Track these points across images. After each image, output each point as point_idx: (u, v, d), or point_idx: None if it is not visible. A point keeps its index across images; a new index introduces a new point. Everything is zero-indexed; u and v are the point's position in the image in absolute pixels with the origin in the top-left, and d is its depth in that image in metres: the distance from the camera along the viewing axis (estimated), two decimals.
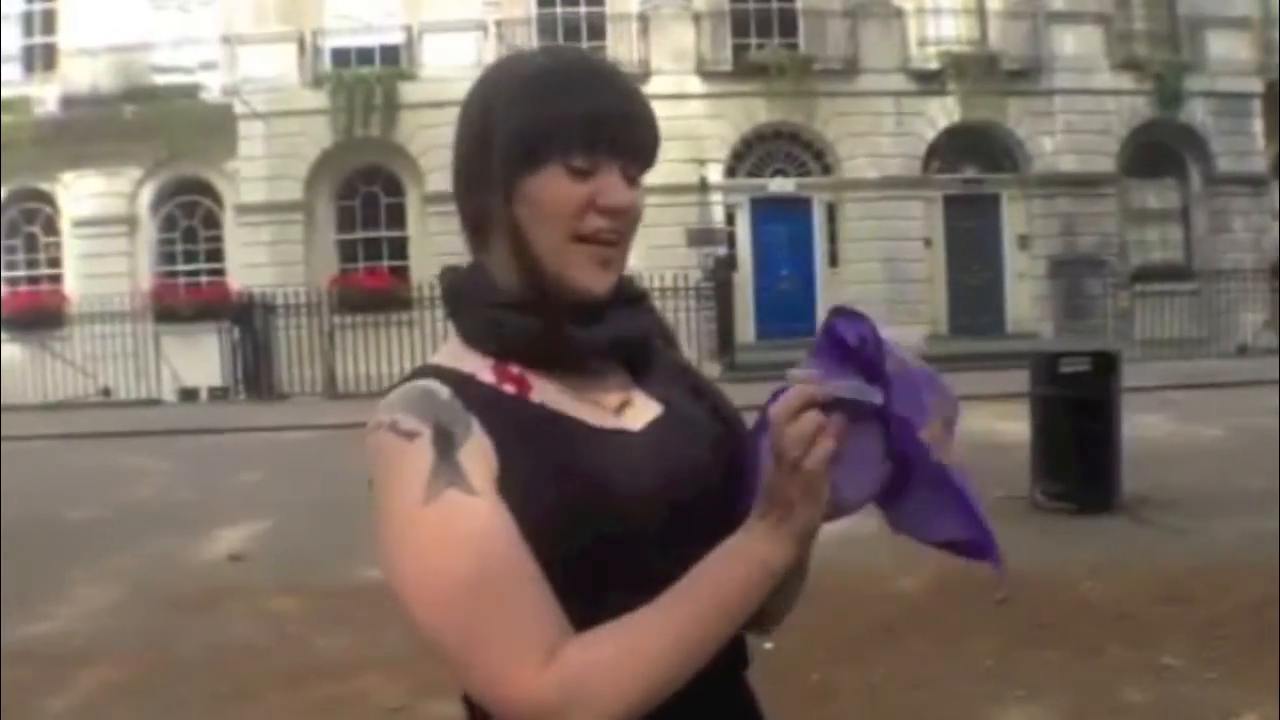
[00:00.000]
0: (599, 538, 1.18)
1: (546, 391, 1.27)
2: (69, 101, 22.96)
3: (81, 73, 23.01)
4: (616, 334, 1.30)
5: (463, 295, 1.32)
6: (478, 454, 1.18)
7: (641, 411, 1.32)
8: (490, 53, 21.96)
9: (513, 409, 1.24)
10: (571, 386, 1.28)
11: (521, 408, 1.25)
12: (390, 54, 23.50)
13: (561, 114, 1.23)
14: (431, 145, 21.62)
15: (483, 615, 1.13)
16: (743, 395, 1.42)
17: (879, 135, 23.53)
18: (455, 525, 1.15)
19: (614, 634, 1.14)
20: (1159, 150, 24.73)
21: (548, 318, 1.26)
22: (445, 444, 1.18)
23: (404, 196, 23.62)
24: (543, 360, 1.27)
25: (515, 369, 1.27)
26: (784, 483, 1.12)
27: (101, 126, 22.43)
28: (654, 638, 1.14)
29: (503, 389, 1.26)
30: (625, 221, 1.26)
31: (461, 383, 1.24)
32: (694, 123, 22.15)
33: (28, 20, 24.26)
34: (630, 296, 1.35)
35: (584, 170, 1.23)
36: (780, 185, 24.01)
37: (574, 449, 1.23)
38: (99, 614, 7.02)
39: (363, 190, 23.84)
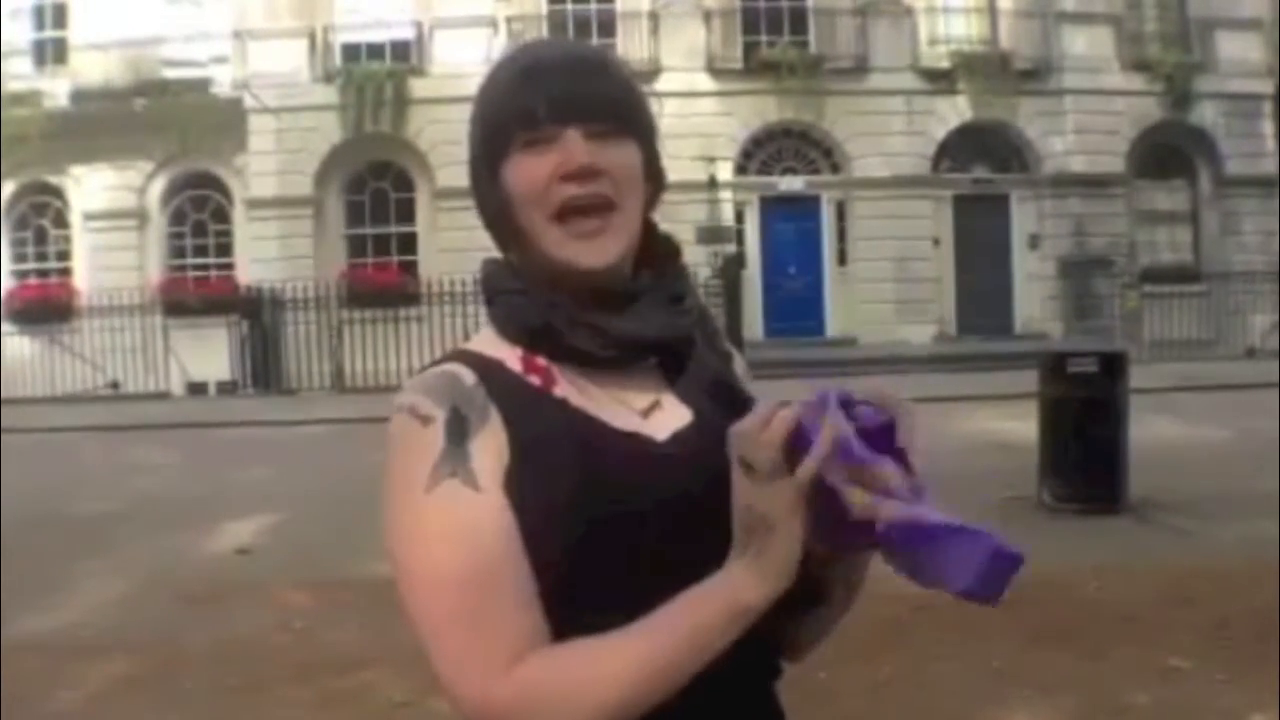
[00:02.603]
0: (603, 541, 1.17)
1: (571, 387, 1.25)
2: (79, 95, 22.96)
3: (92, 67, 23.00)
4: (642, 332, 1.27)
5: (494, 285, 1.31)
6: (489, 444, 1.18)
7: (670, 417, 1.28)
8: (500, 49, 21.76)
9: (534, 401, 1.23)
10: (599, 384, 1.26)
11: (542, 401, 1.23)
12: (401, 50, 23.53)
13: (508, 96, 1.25)
14: (441, 141, 21.62)
15: (456, 612, 1.14)
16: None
17: (889, 134, 23.60)
18: (451, 517, 1.16)
19: (579, 654, 1.13)
20: (1169, 151, 24.74)
21: (569, 308, 1.25)
22: (457, 431, 1.18)
23: (413, 192, 23.72)
24: (565, 353, 1.26)
25: (542, 361, 1.26)
26: (755, 500, 1.09)
27: (112, 120, 22.41)
28: (618, 664, 1.12)
29: (528, 380, 1.25)
30: (599, 183, 1.22)
31: (489, 369, 1.24)
32: (704, 120, 22.16)
33: (39, 14, 24.24)
34: (672, 295, 1.32)
35: (538, 141, 1.22)
36: (790, 183, 24.10)
37: (589, 448, 1.20)
38: (107, 607, 7.01)
39: (372, 185, 23.92)
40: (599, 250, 1.23)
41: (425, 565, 1.16)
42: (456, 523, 1.15)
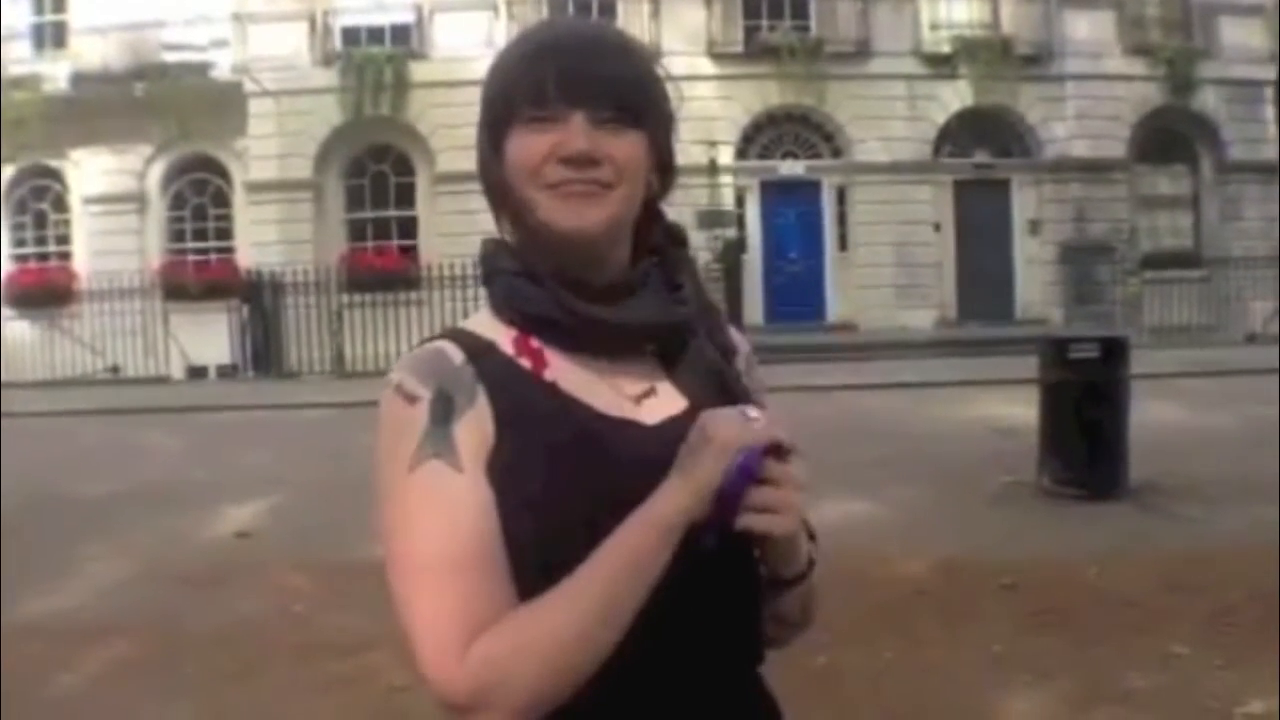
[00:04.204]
0: (587, 527, 1.16)
1: (563, 370, 1.26)
2: (79, 79, 22.91)
3: (92, 50, 23.00)
4: (638, 318, 1.27)
5: (492, 265, 1.32)
6: (474, 426, 1.19)
7: (663, 405, 1.29)
8: (501, 32, 21.93)
9: (523, 384, 1.24)
10: (592, 369, 1.27)
11: (532, 384, 1.24)
12: (401, 33, 23.51)
13: (516, 73, 1.25)
14: (442, 125, 21.73)
15: (429, 595, 1.15)
16: None
17: (890, 119, 23.62)
18: (430, 499, 1.17)
19: (518, 619, 1.14)
20: (1170, 137, 24.66)
21: (566, 292, 1.25)
22: (442, 412, 1.19)
23: (413, 176, 23.76)
24: (559, 336, 1.26)
25: (535, 343, 1.27)
26: (712, 423, 1.16)
27: (111, 104, 22.37)
28: (557, 617, 1.13)
29: (519, 362, 1.25)
30: (598, 170, 1.23)
31: (479, 350, 1.25)
32: (704, 104, 21.97)
33: None
34: (671, 284, 1.33)
35: (541, 120, 1.23)
36: (790, 168, 24.12)
37: (576, 433, 1.21)
38: (107, 590, 6.99)
39: (372, 169, 23.93)
40: (579, 214, 1.23)
41: (403, 547, 1.17)
42: (436, 504, 1.17)
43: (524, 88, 1.23)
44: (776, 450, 1.17)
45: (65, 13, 23.84)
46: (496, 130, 1.27)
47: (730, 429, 1.14)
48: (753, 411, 1.19)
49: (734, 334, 1.42)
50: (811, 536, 1.33)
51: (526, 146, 1.23)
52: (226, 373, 22.40)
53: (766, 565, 1.28)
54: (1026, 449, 9.20)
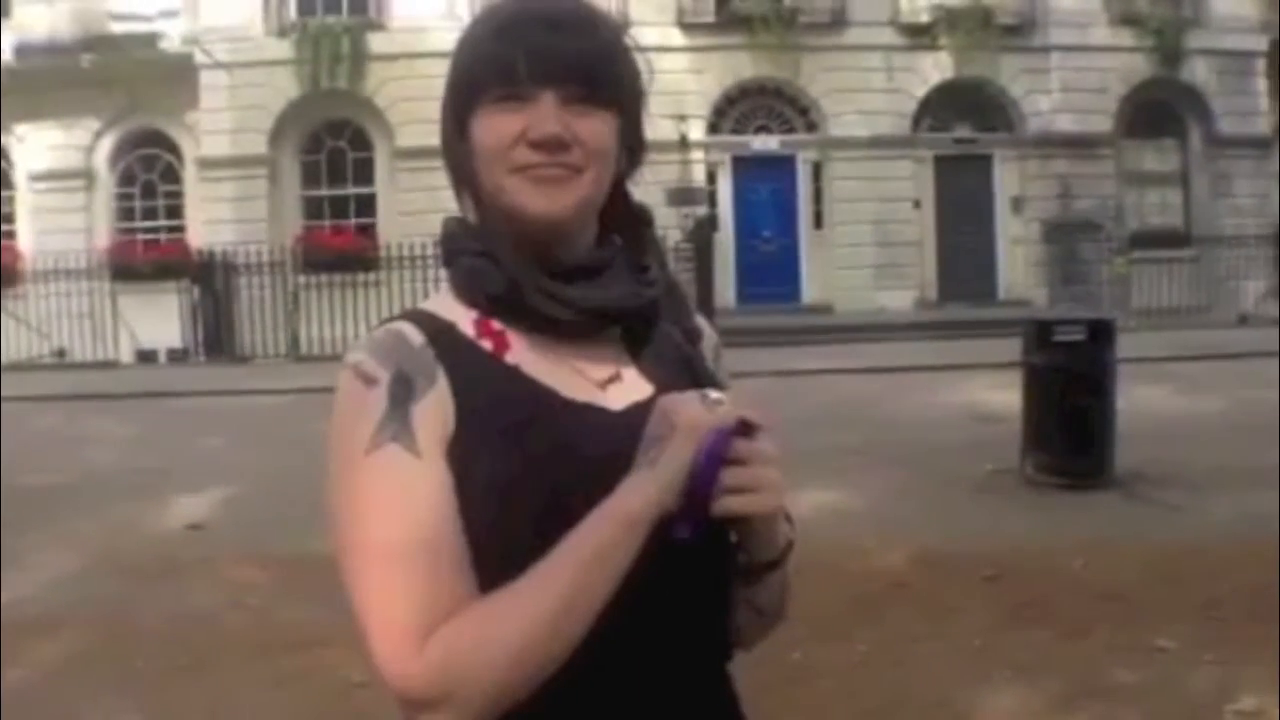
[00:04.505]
0: (548, 513, 1.16)
1: (525, 353, 1.27)
2: (24, 50, 22.59)
3: (37, 20, 22.68)
4: (604, 301, 1.28)
5: (454, 245, 1.33)
6: (433, 409, 1.19)
7: (629, 390, 1.31)
8: (463, 2, 21.78)
9: (484, 367, 1.25)
10: (557, 353, 1.28)
11: (493, 367, 1.26)
12: (358, 3, 23.34)
13: (484, 51, 1.26)
14: (401, 98, 21.74)
15: (382, 583, 1.14)
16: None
17: (867, 92, 23.41)
18: (387, 484, 1.16)
19: (481, 611, 1.13)
20: (1159, 110, 24.62)
21: (530, 273, 1.25)
22: (401, 394, 1.19)
23: (372, 151, 23.60)
24: (518, 317, 1.27)
25: (497, 325, 1.28)
26: (676, 409, 1.17)
27: (58, 77, 22.15)
28: (523, 608, 1.12)
29: (480, 344, 1.27)
30: (569, 154, 1.23)
31: (440, 331, 1.25)
32: (675, 77, 21.72)
33: None
34: (638, 265, 1.34)
35: (509, 100, 1.23)
36: (764, 143, 23.94)
37: (536, 418, 1.22)
38: (54, 583, 7.07)
39: (329, 145, 23.72)
40: (549, 199, 1.24)
41: (357, 532, 1.17)
42: (392, 489, 1.16)
43: (491, 65, 1.25)
44: (744, 429, 1.18)
45: None
46: (461, 108, 1.28)
47: (693, 412, 1.17)
48: (715, 393, 1.21)
49: (700, 320, 1.44)
50: (787, 517, 1.32)
51: (494, 128, 1.24)
52: (177, 357, 22.25)
53: (745, 550, 1.28)
54: (1009, 435, 9.26)
